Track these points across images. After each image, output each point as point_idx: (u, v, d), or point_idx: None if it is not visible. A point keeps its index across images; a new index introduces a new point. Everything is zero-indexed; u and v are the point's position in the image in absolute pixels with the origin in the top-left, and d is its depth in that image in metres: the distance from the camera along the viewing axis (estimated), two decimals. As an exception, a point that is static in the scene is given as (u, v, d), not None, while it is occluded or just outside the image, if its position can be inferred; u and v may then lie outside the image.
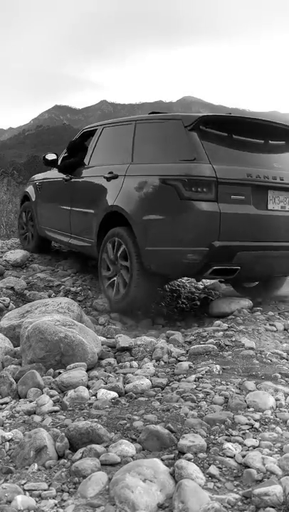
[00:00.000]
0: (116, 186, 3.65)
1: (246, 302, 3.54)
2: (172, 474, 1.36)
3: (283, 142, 3.60)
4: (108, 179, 3.78)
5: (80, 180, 4.44)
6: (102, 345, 2.82)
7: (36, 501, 1.29)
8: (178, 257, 3.14)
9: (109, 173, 3.79)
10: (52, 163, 4.96)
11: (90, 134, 4.68)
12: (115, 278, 3.62)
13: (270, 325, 3.03)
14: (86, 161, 4.49)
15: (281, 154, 3.54)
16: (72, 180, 4.56)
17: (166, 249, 3.22)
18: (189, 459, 1.44)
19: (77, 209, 4.34)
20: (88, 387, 2.18)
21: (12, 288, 3.95)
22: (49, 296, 3.89)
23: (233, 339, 2.73)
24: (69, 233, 4.52)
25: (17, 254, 4.92)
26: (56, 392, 2.11)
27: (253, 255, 3.20)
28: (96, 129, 4.53)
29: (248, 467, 1.40)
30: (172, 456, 1.49)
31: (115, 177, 3.71)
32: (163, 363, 2.56)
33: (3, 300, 3.57)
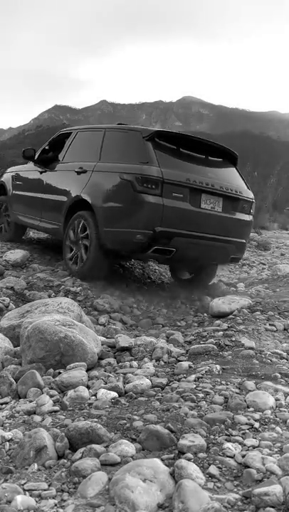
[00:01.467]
0: (84, 179, 4.49)
1: (246, 302, 3.54)
2: (172, 474, 1.36)
3: (219, 159, 4.61)
4: (78, 173, 4.61)
5: (54, 172, 5.25)
6: (102, 345, 2.82)
7: (36, 501, 1.29)
8: (128, 237, 3.94)
9: (80, 168, 4.62)
10: (30, 158, 5.69)
11: (66, 135, 5.49)
12: (78, 251, 4.42)
13: (270, 325, 3.03)
14: (60, 157, 5.30)
15: (216, 168, 4.52)
16: (47, 172, 5.37)
17: (119, 230, 4.04)
18: (189, 459, 1.44)
19: (49, 196, 5.16)
20: (88, 387, 2.18)
21: (12, 288, 3.94)
22: (49, 296, 3.89)
23: (233, 339, 2.73)
24: (39, 217, 5.32)
25: (17, 254, 4.92)
26: (56, 392, 2.11)
27: (186, 241, 4.01)
28: (72, 132, 5.41)
29: (248, 467, 1.40)
30: (172, 456, 1.49)
31: (84, 172, 4.53)
32: (163, 363, 2.56)
33: (3, 300, 3.57)
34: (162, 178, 3.82)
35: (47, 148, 5.74)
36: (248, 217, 4.56)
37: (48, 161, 5.50)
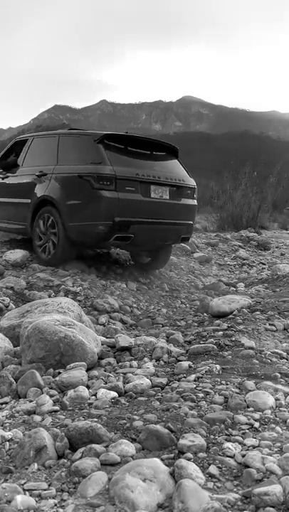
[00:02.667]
0: (46, 181, 5.03)
1: (246, 302, 3.54)
2: (172, 474, 1.36)
3: (163, 153, 5.20)
4: (39, 176, 5.13)
5: (15, 177, 5.74)
6: (102, 345, 2.82)
7: (36, 501, 1.29)
8: (91, 228, 4.50)
9: (40, 171, 5.14)
10: None
11: (22, 142, 5.98)
12: (46, 244, 4.96)
13: (269, 324, 3.03)
14: (20, 162, 5.78)
15: (160, 161, 5.09)
16: (9, 177, 5.85)
17: (83, 224, 4.56)
18: (189, 459, 1.44)
19: (14, 200, 5.62)
20: (88, 387, 2.18)
21: (12, 288, 3.94)
22: (49, 296, 3.89)
23: (233, 339, 2.73)
24: (6, 220, 5.81)
25: (17, 254, 4.92)
26: (56, 392, 2.12)
27: (142, 227, 4.61)
28: (28, 139, 5.91)
29: (248, 467, 1.40)
30: (172, 455, 1.49)
31: (45, 174, 5.07)
32: (163, 363, 2.56)
33: (3, 300, 3.57)
34: (115, 175, 4.38)
35: (4, 155, 6.30)
36: (192, 202, 5.23)
37: (8, 167, 6.00)
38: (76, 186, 4.61)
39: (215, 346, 2.61)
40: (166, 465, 1.42)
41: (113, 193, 4.36)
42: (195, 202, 5.29)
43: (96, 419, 1.75)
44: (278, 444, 1.54)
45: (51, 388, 2.16)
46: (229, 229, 11.62)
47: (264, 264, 7.24)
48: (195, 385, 2.07)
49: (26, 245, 5.87)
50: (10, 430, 1.73)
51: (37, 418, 1.85)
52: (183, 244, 7.24)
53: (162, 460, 1.45)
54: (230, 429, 1.65)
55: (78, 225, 4.58)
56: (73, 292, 4.06)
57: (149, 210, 4.65)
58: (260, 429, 1.66)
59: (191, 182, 5.21)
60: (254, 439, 1.58)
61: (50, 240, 4.91)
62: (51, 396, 2.06)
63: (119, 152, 4.64)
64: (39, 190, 5.06)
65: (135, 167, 4.61)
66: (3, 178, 5.94)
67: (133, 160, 4.73)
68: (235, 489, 1.33)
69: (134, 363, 2.54)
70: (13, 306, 3.54)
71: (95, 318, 3.63)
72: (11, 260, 4.81)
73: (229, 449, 1.51)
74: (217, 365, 2.29)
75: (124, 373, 2.38)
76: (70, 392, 2.08)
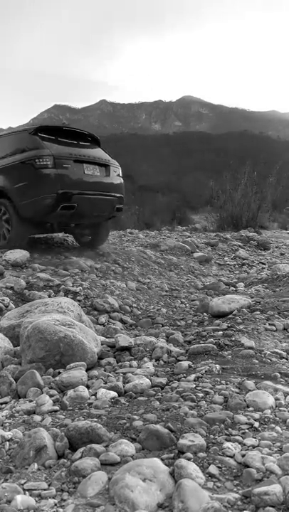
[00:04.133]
0: None
1: (246, 302, 3.54)
2: (172, 474, 1.36)
3: (89, 142, 6.20)
4: None
5: None
6: (102, 344, 2.82)
7: (36, 501, 1.29)
8: (40, 202, 5.21)
9: None
10: None
11: None
12: (1, 231, 5.64)
13: (269, 324, 3.03)
14: None
15: (87, 148, 5.98)
16: None
17: (32, 200, 5.23)
18: (189, 459, 1.44)
19: None
20: (88, 387, 2.18)
21: (12, 288, 3.94)
22: (49, 296, 3.89)
23: (233, 339, 2.73)
24: None
25: (16, 254, 4.92)
26: (56, 392, 2.12)
27: (82, 197, 5.41)
28: None
29: (248, 466, 1.40)
30: (172, 455, 1.49)
31: None
32: (163, 363, 2.56)
33: (3, 300, 3.57)
34: (52, 154, 5.20)
35: None
36: (120, 179, 6.24)
37: None
38: (21, 171, 5.35)
39: (215, 346, 2.61)
40: (166, 465, 1.42)
41: (53, 170, 5.18)
42: (122, 179, 6.34)
43: (96, 419, 1.75)
44: (278, 444, 1.54)
45: (51, 388, 2.16)
46: (229, 229, 11.62)
47: (264, 264, 7.23)
48: (195, 385, 2.07)
49: (26, 245, 5.88)
50: (10, 430, 1.73)
51: (37, 418, 1.85)
52: (183, 244, 7.24)
53: (162, 460, 1.45)
54: (230, 429, 1.65)
55: (28, 202, 5.26)
56: (73, 292, 4.06)
57: (85, 184, 5.54)
58: (260, 428, 1.66)
59: (116, 163, 6.26)
60: (254, 439, 1.58)
61: (3, 227, 5.64)
62: (51, 396, 2.06)
63: (52, 140, 5.48)
64: None
65: (68, 150, 5.49)
66: None
67: (65, 145, 5.59)
68: (235, 489, 1.33)
69: (134, 363, 2.54)
70: (13, 306, 3.54)
71: (94, 318, 3.63)
72: (10, 260, 4.81)
73: (229, 448, 1.51)
74: (217, 365, 2.29)
75: (124, 373, 2.38)
76: (70, 392, 2.08)
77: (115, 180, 6.10)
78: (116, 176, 6.17)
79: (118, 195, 6.09)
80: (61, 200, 5.19)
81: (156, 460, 1.41)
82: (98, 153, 6.05)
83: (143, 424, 1.67)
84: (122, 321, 3.78)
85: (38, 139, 5.35)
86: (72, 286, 4.18)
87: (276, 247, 8.89)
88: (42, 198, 5.18)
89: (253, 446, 1.54)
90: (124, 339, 2.84)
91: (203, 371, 2.24)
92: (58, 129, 5.81)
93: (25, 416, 1.89)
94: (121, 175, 6.35)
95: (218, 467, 1.42)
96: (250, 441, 1.56)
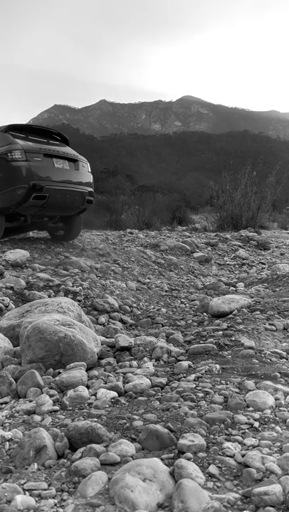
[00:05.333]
0: None
1: (246, 301, 3.54)
2: (172, 474, 1.36)
3: (58, 140, 6.60)
4: None
5: None
6: (102, 344, 2.82)
7: (36, 501, 1.29)
8: (14, 192, 5.54)
9: None
10: None
11: None
12: None
13: (269, 324, 3.03)
14: None
15: (56, 146, 6.32)
16: None
17: (6, 191, 5.55)
18: (189, 459, 1.44)
19: None
20: (88, 387, 2.18)
21: (12, 288, 3.94)
22: (49, 296, 3.89)
23: (233, 338, 2.73)
24: None
25: (17, 254, 4.92)
26: (56, 392, 2.11)
27: (53, 188, 5.76)
28: None
29: (248, 466, 1.40)
30: (172, 455, 1.49)
31: None
32: (162, 363, 2.56)
33: (3, 300, 3.57)
34: (23, 148, 5.58)
35: None
36: (89, 174, 6.65)
37: None
38: None
39: (215, 346, 2.61)
40: (166, 465, 1.42)
41: (25, 163, 5.55)
42: (91, 175, 6.77)
43: (96, 419, 1.75)
44: (278, 444, 1.54)
45: (51, 388, 2.16)
46: (229, 229, 11.62)
47: (264, 264, 7.23)
48: (195, 385, 2.07)
49: (26, 245, 5.87)
50: (10, 430, 1.73)
51: (37, 418, 1.85)
52: (182, 244, 7.24)
53: (162, 460, 1.45)
54: (230, 429, 1.65)
55: (2, 193, 5.56)
56: (73, 292, 4.06)
57: (56, 176, 5.91)
58: (259, 428, 1.66)
59: (84, 159, 6.68)
60: (254, 439, 1.58)
61: None
62: (51, 396, 2.06)
63: (23, 137, 5.88)
64: None
65: (38, 145, 5.89)
66: None
67: (35, 142, 5.98)
68: (235, 489, 1.33)
69: (134, 363, 2.54)
70: (13, 306, 3.54)
71: (94, 318, 3.62)
72: (10, 260, 4.81)
73: (229, 448, 1.51)
74: (217, 365, 2.29)
75: (124, 373, 2.38)
76: (70, 392, 2.08)
77: (85, 175, 6.51)
78: (86, 171, 6.58)
79: (88, 188, 6.45)
80: (33, 190, 5.52)
81: (156, 460, 1.41)
82: (67, 150, 6.45)
83: (143, 424, 1.67)
84: (122, 321, 3.78)
85: (10, 136, 5.69)
86: (72, 286, 4.18)
87: (276, 247, 8.89)
88: (15, 189, 5.51)
89: (253, 446, 1.53)
90: (124, 339, 2.84)
91: (203, 371, 2.24)
92: (28, 128, 6.23)
93: (25, 416, 1.89)
94: (90, 170, 6.75)
95: (218, 467, 1.42)
96: (250, 441, 1.56)
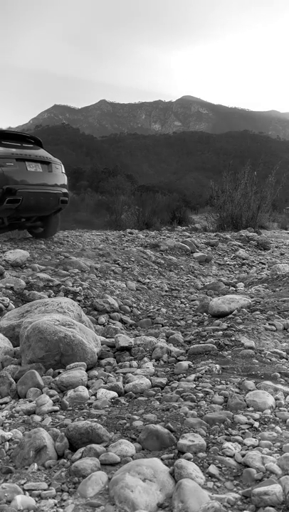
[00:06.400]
0: None
1: (246, 301, 3.54)
2: (172, 474, 1.36)
3: (32, 143, 6.76)
4: None
5: None
6: (102, 344, 2.82)
7: (36, 501, 1.29)
8: None
9: None
10: None
11: None
12: None
13: (269, 324, 3.03)
14: None
15: (31, 148, 6.55)
16: None
17: None
18: (189, 459, 1.44)
19: None
20: (88, 387, 2.18)
21: (11, 288, 3.94)
22: (49, 296, 3.89)
23: (233, 338, 2.73)
24: None
25: (16, 254, 4.92)
26: (56, 392, 2.11)
27: (26, 192, 5.99)
28: None
29: (248, 466, 1.40)
30: (172, 455, 1.49)
31: None
32: (162, 363, 2.56)
33: (3, 300, 3.57)
34: None
35: None
36: (63, 175, 6.86)
37: None
38: None
39: (215, 346, 2.61)
40: (166, 465, 1.42)
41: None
42: (65, 176, 6.99)
43: (96, 419, 1.75)
44: (278, 444, 1.54)
45: (51, 388, 2.16)
46: (229, 229, 11.62)
47: (264, 264, 7.23)
48: (195, 385, 2.07)
49: (26, 245, 5.88)
50: (10, 430, 1.73)
51: (37, 418, 1.85)
52: (182, 244, 7.24)
53: (162, 460, 1.45)
54: (230, 429, 1.65)
55: None
56: (73, 292, 4.06)
57: (29, 179, 6.15)
58: (259, 428, 1.66)
59: (58, 161, 6.89)
60: (254, 439, 1.58)
61: None
62: (51, 396, 2.06)
63: None
64: None
65: (10, 150, 6.09)
66: None
67: (8, 146, 6.15)
68: (235, 489, 1.33)
69: (134, 363, 2.54)
70: (13, 306, 3.54)
71: (94, 318, 3.62)
72: (10, 260, 4.81)
73: (229, 448, 1.51)
74: (217, 365, 2.29)
75: (124, 373, 2.38)
76: (70, 392, 2.08)
77: (58, 176, 6.75)
78: (59, 172, 6.81)
79: (62, 189, 6.70)
80: (6, 194, 5.74)
81: (156, 460, 1.41)
82: (40, 152, 6.65)
83: (143, 424, 1.67)
84: (122, 321, 3.77)
85: None
86: (72, 286, 4.18)
87: (276, 247, 8.89)
88: None
89: (253, 446, 1.54)
90: (124, 339, 2.84)
91: (203, 371, 2.24)
92: (2, 133, 6.39)
93: (25, 416, 1.89)
94: (64, 172, 6.98)
95: (218, 467, 1.42)
96: (250, 441, 1.56)
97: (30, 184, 6.11)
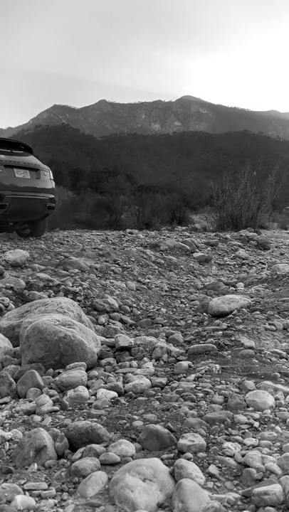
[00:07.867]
0: None
1: (246, 301, 3.54)
2: (172, 474, 1.36)
3: (21, 150, 7.00)
4: None
5: None
6: (102, 344, 2.82)
7: (36, 501, 1.29)
8: None
9: None
10: None
11: None
12: None
13: (269, 324, 3.03)
14: None
15: (20, 155, 6.79)
16: None
17: None
18: (189, 459, 1.44)
19: None
20: (88, 387, 2.18)
21: (11, 288, 3.94)
22: (49, 296, 3.89)
23: (233, 338, 2.73)
24: None
25: (16, 254, 4.92)
26: (56, 392, 2.11)
27: (13, 198, 6.22)
28: None
29: (248, 466, 1.40)
30: (172, 455, 1.49)
31: None
32: (162, 363, 2.56)
33: (3, 300, 3.57)
34: None
35: None
36: (50, 182, 7.09)
37: None
38: None
39: (214, 346, 2.61)
40: (166, 465, 1.42)
41: None
42: (53, 182, 7.22)
43: (96, 419, 1.75)
44: (278, 444, 1.54)
45: (51, 388, 2.16)
46: (229, 229, 11.62)
47: (263, 264, 7.23)
48: (195, 385, 2.07)
49: (26, 245, 5.88)
50: (10, 430, 1.73)
51: (37, 418, 1.85)
52: (182, 244, 7.24)
53: (162, 460, 1.45)
54: (230, 429, 1.65)
55: None
56: (73, 292, 4.06)
57: (16, 186, 6.34)
58: (259, 428, 1.66)
59: (47, 167, 7.12)
60: (254, 439, 1.58)
61: None
62: (51, 396, 2.06)
63: None
64: None
65: (0, 156, 6.27)
66: None
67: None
68: (235, 489, 1.33)
69: (134, 363, 2.54)
70: (13, 306, 3.54)
71: (94, 318, 3.62)
72: (10, 260, 4.81)
73: (229, 448, 1.51)
74: (217, 365, 2.29)
75: (124, 373, 2.38)
76: (70, 392, 2.08)
77: (46, 183, 6.96)
78: (47, 179, 7.03)
79: (50, 195, 6.93)
80: None
81: (156, 460, 1.41)
82: (29, 159, 6.87)
83: (143, 424, 1.67)
84: (122, 321, 3.78)
85: None
86: (72, 286, 4.18)
87: (276, 247, 8.89)
88: None
89: (253, 446, 1.53)
90: (124, 339, 2.84)
91: (203, 371, 2.24)
92: None
93: (25, 416, 1.89)
94: (52, 178, 7.20)
95: (218, 467, 1.42)
96: (250, 441, 1.56)
97: (17, 190, 6.31)
